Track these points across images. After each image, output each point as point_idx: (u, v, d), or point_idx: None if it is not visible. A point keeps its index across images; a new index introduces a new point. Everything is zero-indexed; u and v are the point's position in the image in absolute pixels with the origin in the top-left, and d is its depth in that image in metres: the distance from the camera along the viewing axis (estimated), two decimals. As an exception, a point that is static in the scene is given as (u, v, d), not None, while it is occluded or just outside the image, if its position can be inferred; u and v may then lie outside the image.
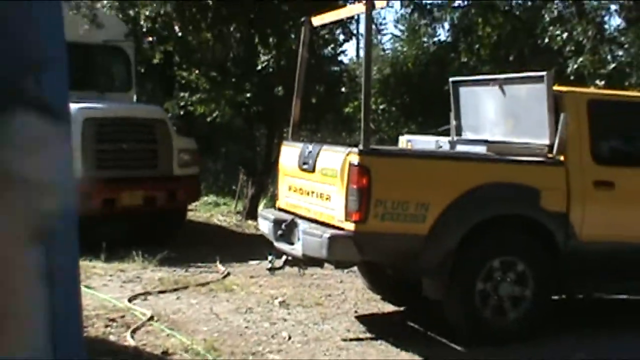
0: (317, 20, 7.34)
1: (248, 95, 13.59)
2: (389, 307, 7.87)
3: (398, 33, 19.92)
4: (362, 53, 26.06)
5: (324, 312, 7.57)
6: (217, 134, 17.61)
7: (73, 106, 10.48)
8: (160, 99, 16.41)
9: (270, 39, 12.04)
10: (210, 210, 15.34)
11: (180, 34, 11.44)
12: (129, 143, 10.76)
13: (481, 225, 6.40)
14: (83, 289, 8.11)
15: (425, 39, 17.98)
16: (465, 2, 15.99)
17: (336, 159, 6.42)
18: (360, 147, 6.17)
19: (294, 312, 7.52)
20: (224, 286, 8.45)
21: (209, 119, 15.11)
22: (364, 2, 6.21)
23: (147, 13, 10.76)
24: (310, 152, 6.90)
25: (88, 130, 10.46)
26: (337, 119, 17.01)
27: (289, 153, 7.38)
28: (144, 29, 11.43)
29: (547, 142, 6.67)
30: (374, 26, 17.78)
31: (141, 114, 11.17)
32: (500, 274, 6.51)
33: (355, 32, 15.09)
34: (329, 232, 6.26)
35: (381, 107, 17.04)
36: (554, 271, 6.67)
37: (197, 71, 14.74)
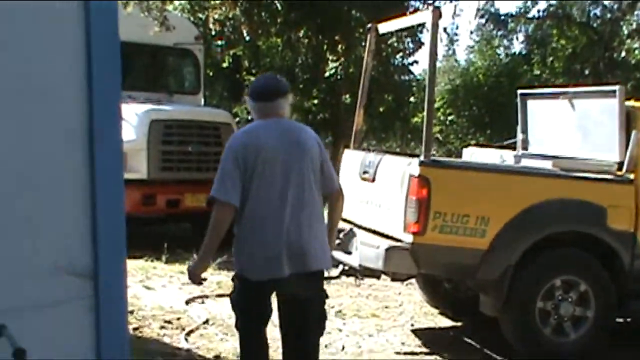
0: (384, 27, 7.24)
1: (315, 101, 13.59)
2: (446, 322, 7.72)
3: (472, 44, 19.72)
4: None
5: (380, 323, 7.46)
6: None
7: (140, 107, 10.60)
8: (230, 102, 16.58)
9: (339, 46, 11.98)
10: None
11: (248, 38, 11.44)
12: (194, 145, 10.81)
13: (543, 242, 6.22)
14: (142, 289, 8.18)
15: (498, 51, 17.72)
16: (540, 14, 15.68)
17: (396, 169, 6.31)
18: (421, 157, 6.05)
19: (350, 323, 7.43)
20: (282, 292, 8.40)
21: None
22: (431, 10, 6.10)
23: (216, 16, 10.80)
24: (371, 161, 6.81)
25: (154, 132, 10.53)
26: (406, 128, 16.89)
27: (350, 161, 7.30)
28: (213, 33, 11.48)
29: (616, 159, 6.45)
30: (447, 36, 17.59)
31: (207, 117, 11.22)
32: (561, 293, 6.32)
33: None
34: (386, 243, 6.15)
35: (450, 117, 16.85)
36: (617, 293, 6.44)
37: (266, 76, 14.76)
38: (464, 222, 6.04)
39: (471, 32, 18.99)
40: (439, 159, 6.35)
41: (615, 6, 13.27)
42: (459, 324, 7.65)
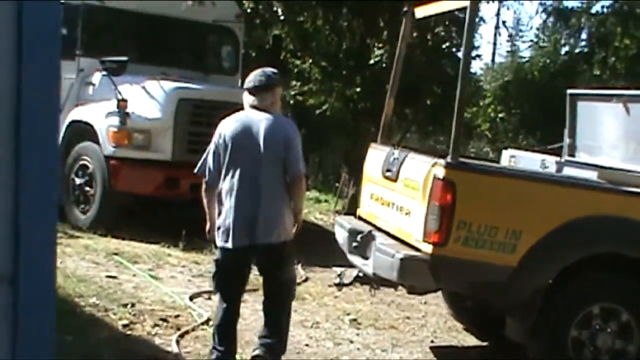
0: (421, 12, 6.55)
1: (357, 89, 12.91)
2: (471, 340, 7.03)
3: (533, 39, 18.81)
4: (497, 59, 24.92)
5: (397, 337, 6.81)
6: (327, 127, 17.06)
7: (169, 85, 10.09)
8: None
9: (383, 32, 11.23)
10: (310, 207, 14.71)
11: (282, 17, 10.74)
12: None
13: (581, 264, 5.48)
14: (148, 279, 7.63)
15: (558, 47, 16.76)
16: (604, 9, 14.69)
17: (420, 169, 5.63)
18: (448, 158, 5.36)
19: (364, 334, 6.79)
20: (297, 293, 7.75)
21: (318, 112, 14.57)
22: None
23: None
24: (395, 158, 6.14)
25: (182, 111, 10.03)
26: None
27: (375, 157, 6.64)
28: (248, 10, 10.80)
29: (672, 173, 5.68)
30: (506, 30, 16.63)
31: (239, 99, 10.58)
32: (599, 322, 5.58)
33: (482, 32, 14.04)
34: (402, 253, 5.48)
35: (500, 115, 15.97)
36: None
37: (310, 60, 14.16)
38: (491, 235, 5.34)
39: (531, 28, 18.08)
40: (467, 161, 5.65)
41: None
42: (485, 344, 6.95)
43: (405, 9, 6.71)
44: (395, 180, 6.05)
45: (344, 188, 14.59)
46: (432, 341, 6.83)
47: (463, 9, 5.46)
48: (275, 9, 10.71)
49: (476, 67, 15.41)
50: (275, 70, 5.36)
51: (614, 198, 5.60)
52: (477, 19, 5.37)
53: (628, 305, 5.59)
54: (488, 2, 13.57)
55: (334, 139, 18.34)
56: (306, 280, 8.54)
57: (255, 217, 4.94)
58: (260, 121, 5.01)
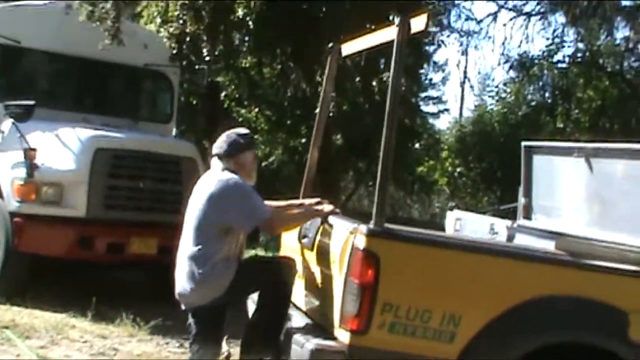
0: (347, 48, 5.58)
1: (302, 140, 11.95)
2: None
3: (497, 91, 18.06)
4: (464, 113, 24.12)
5: None
6: (280, 181, 16.15)
7: (85, 132, 9.05)
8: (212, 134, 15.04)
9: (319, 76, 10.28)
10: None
11: (208, 57, 9.72)
12: (147, 181, 9.18)
13: (537, 356, 4.43)
14: None
15: (520, 98, 15.98)
16: (567, 60, 13.93)
17: (338, 236, 4.58)
18: (370, 224, 4.31)
19: None
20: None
21: (264, 164, 13.60)
22: (399, 22, 4.41)
23: (172, 30, 9.10)
24: (312, 222, 5.09)
25: (100, 162, 8.95)
26: (410, 178, 15.15)
27: (294, 219, 5.57)
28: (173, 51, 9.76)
29: (646, 243, 4.69)
30: (470, 82, 15.84)
31: (166, 149, 9.55)
32: None
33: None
34: (312, 342, 4.40)
35: (458, 169, 15.06)
36: None
37: (256, 109, 13.22)
38: (424, 320, 4.28)
39: (493, 80, 17.43)
40: (395, 227, 4.63)
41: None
42: None
43: (330, 44, 5.73)
44: (311, 249, 4.99)
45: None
46: None
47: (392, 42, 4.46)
48: (203, 52, 9.65)
49: (444, 121, 14.71)
50: (242, 133, 5.19)
51: (576, 274, 4.57)
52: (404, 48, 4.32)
53: (595, 408, 4.55)
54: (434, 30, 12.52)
55: (285, 193, 17.41)
56: (228, 357, 7.38)
57: (180, 282, 5.09)
58: (208, 181, 5.06)
